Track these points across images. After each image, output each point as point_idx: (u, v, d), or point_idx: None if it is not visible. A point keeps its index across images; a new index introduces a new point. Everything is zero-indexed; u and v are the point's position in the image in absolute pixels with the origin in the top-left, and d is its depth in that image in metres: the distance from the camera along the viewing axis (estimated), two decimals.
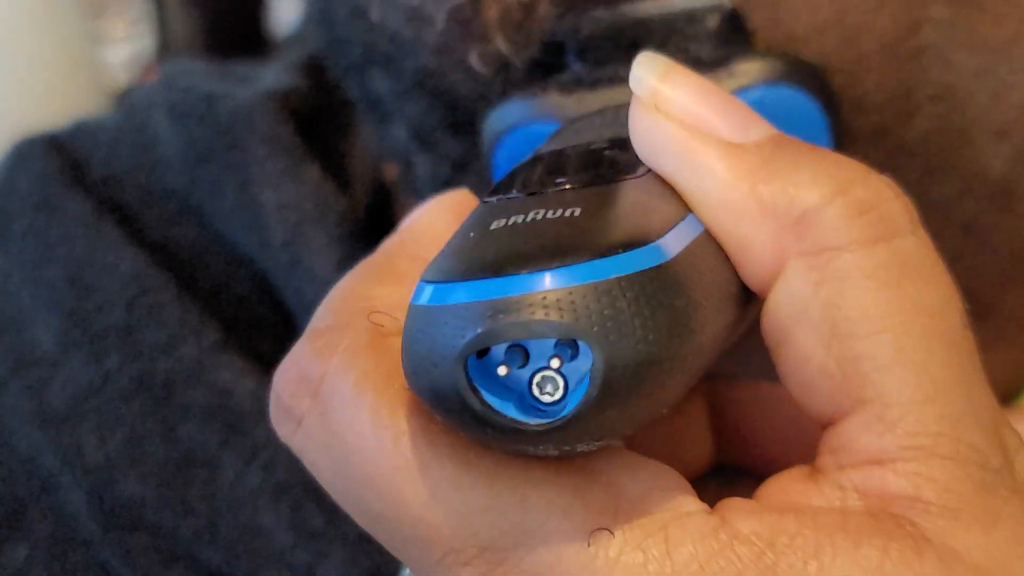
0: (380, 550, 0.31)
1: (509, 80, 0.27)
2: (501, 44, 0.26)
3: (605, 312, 0.18)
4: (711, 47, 0.25)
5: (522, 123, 0.26)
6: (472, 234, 0.20)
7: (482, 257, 0.19)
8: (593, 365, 0.18)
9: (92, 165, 0.38)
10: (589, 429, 0.19)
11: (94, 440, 0.33)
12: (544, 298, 0.18)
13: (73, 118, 0.41)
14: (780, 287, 0.20)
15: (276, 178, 0.35)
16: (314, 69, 0.39)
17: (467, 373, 0.18)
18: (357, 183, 0.37)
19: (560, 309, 0.18)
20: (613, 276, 0.18)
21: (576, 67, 0.26)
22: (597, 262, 0.18)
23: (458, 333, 0.18)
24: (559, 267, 0.18)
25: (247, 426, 0.32)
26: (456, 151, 0.28)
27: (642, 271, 0.18)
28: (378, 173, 0.37)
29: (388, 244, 0.23)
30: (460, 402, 0.18)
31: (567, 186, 0.21)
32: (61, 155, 0.38)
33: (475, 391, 0.18)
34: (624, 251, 0.18)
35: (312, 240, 0.34)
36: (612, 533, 0.19)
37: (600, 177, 0.21)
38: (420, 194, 0.31)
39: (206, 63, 0.41)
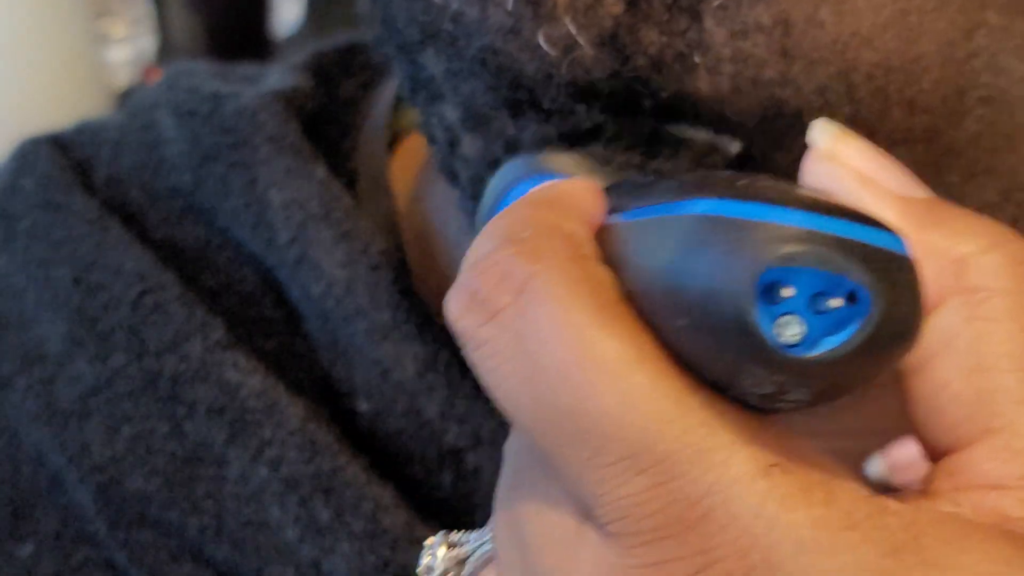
0: (388, 544, 0.32)
1: (575, 62, 0.27)
2: (570, 25, 0.27)
3: (892, 277, 0.20)
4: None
5: (536, 177, 0.27)
6: (741, 181, 0.22)
7: (773, 191, 0.21)
8: (869, 316, 0.20)
9: (96, 165, 0.38)
10: (832, 374, 0.20)
11: (101, 437, 0.33)
12: (851, 244, 0.20)
13: (76, 118, 0.41)
14: (933, 318, 0.23)
15: (282, 176, 0.35)
16: (319, 69, 0.40)
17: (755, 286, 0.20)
18: (363, 182, 0.37)
19: (862, 258, 0.20)
20: (901, 252, 0.21)
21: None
22: (889, 235, 0.21)
23: (765, 247, 0.20)
24: (863, 225, 0.20)
25: (254, 423, 0.33)
26: (510, 131, 0.29)
27: (911, 259, 0.21)
28: (383, 173, 0.37)
29: (545, 192, 0.25)
30: (734, 311, 0.20)
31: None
32: (65, 155, 0.38)
33: (754, 304, 0.20)
34: (901, 239, 0.21)
35: (318, 238, 0.34)
36: (785, 473, 0.21)
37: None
38: (460, 176, 0.31)
39: (209, 64, 0.42)
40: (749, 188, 0.21)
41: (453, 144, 0.30)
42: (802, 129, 0.27)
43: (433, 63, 0.29)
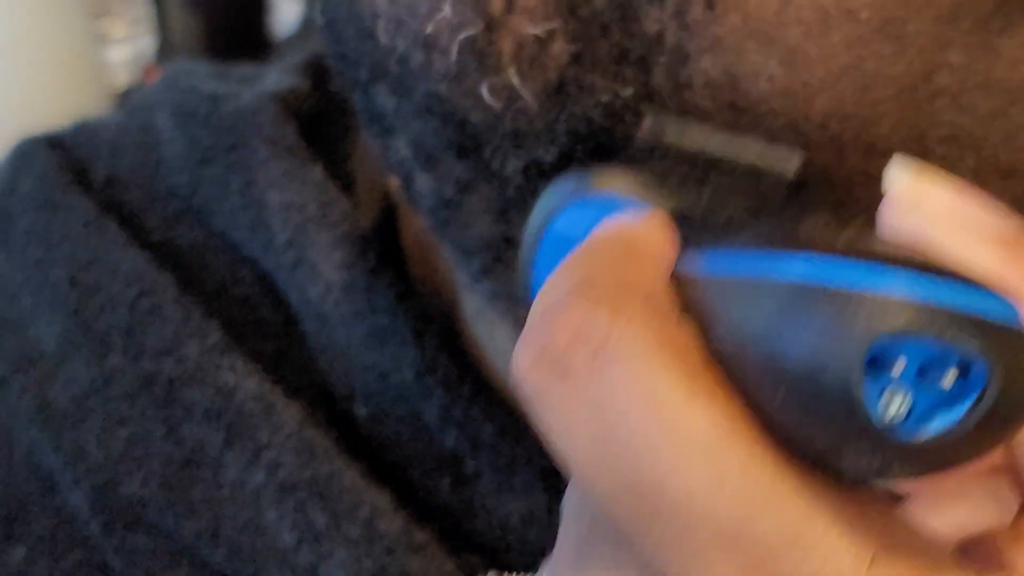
0: (384, 550, 0.31)
1: (519, 114, 0.26)
2: (513, 77, 0.26)
3: (1009, 350, 0.19)
4: (781, 198, 0.26)
5: (588, 199, 0.26)
6: (832, 235, 0.20)
7: (872, 250, 0.19)
8: (986, 393, 0.19)
9: (94, 165, 0.38)
10: (944, 453, 0.19)
11: (96, 439, 0.33)
12: (966, 315, 0.19)
13: (76, 118, 0.41)
14: None
15: (279, 179, 0.35)
16: (317, 71, 0.39)
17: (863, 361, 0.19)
18: (361, 184, 0.37)
19: (978, 331, 0.19)
20: (1015, 322, 0.19)
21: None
22: (1002, 302, 0.19)
23: (875, 318, 0.18)
24: (974, 292, 0.19)
25: (250, 426, 0.32)
26: (459, 171, 0.28)
27: None
28: (382, 175, 0.37)
29: (617, 235, 0.23)
30: (840, 385, 0.19)
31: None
32: (63, 155, 0.38)
33: (862, 379, 0.19)
34: (1014, 307, 0.19)
35: (315, 241, 0.34)
36: (889, 563, 0.19)
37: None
38: (420, 208, 0.31)
39: (208, 64, 0.41)
40: (846, 246, 0.20)
41: (408, 179, 0.30)
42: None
43: (384, 99, 0.29)
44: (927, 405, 0.19)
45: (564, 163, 0.27)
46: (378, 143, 0.30)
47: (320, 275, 0.34)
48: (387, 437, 0.33)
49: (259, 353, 0.34)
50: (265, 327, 0.35)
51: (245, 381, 0.33)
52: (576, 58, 0.26)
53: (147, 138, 0.38)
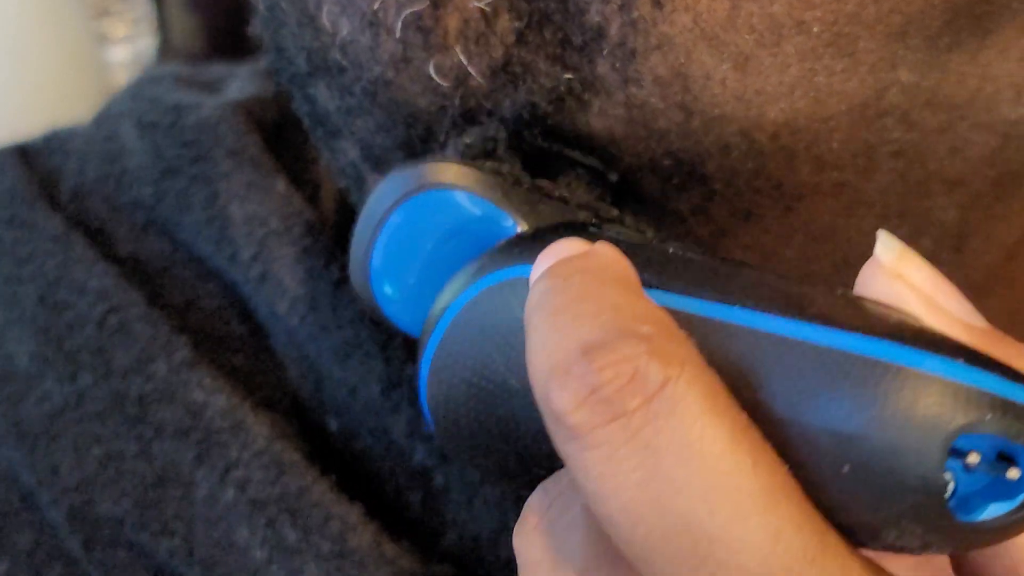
0: (355, 564, 0.31)
1: (467, 94, 0.26)
2: (461, 55, 0.26)
3: None
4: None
5: (429, 191, 0.26)
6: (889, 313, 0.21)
7: (947, 345, 0.20)
8: None
9: (62, 177, 0.38)
10: (986, 538, 0.20)
11: (70, 459, 0.33)
12: None
13: (76, 118, 0.41)
14: None
15: (242, 192, 0.34)
16: None
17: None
18: (325, 191, 0.36)
19: None
20: None
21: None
22: None
23: (956, 412, 0.19)
24: None
25: (220, 443, 0.32)
26: None
27: None
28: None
29: (607, 266, 0.22)
30: (919, 473, 0.19)
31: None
32: (31, 168, 0.38)
33: (943, 469, 0.19)
34: None
35: (280, 255, 0.33)
36: None
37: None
38: None
39: (178, 68, 0.41)
40: (881, 317, 0.20)
41: (359, 181, 0.29)
42: (701, 178, 0.26)
43: (326, 97, 0.28)
44: (969, 489, 0.19)
45: (512, 150, 0.27)
46: (324, 147, 0.30)
47: (286, 290, 0.33)
48: (358, 451, 0.33)
49: (230, 366, 0.34)
50: (234, 340, 0.35)
51: (214, 397, 0.32)
52: (521, 37, 0.25)
53: (112, 148, 0.37)
